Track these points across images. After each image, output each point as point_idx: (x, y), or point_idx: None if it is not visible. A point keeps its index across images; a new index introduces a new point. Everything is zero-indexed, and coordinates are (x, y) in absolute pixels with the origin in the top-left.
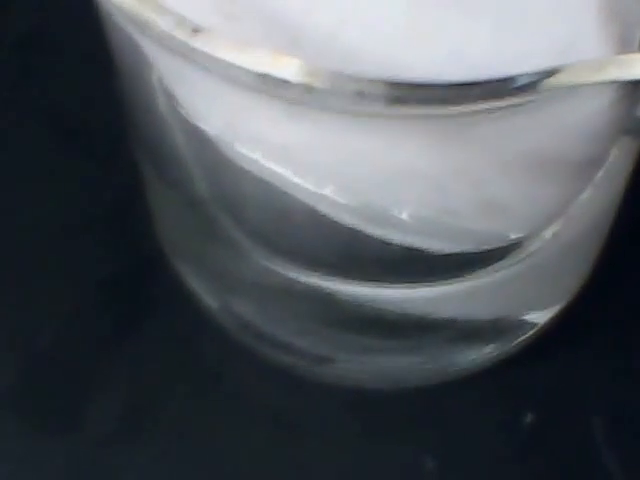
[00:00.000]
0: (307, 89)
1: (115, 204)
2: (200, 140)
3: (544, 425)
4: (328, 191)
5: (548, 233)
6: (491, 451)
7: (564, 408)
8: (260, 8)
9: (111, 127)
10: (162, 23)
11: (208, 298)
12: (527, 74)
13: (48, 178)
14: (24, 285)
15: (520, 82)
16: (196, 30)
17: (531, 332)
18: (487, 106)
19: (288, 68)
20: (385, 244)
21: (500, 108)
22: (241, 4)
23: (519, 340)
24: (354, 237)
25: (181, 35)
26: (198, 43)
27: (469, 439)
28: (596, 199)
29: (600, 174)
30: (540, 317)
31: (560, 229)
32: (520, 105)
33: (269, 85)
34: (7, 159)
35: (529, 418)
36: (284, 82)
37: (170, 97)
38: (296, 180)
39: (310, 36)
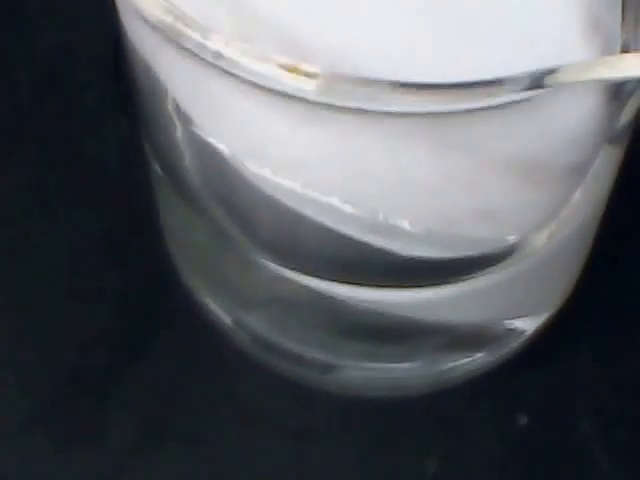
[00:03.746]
0: (325, 91)
1: (128, 222)
2: (211, 157)
3: (538, 427)
4: (334, 201)
5: (541, 236)
6: (488, 451)
7: (556, 410)
8: (275, 29)
9: (124, 148)
10: (193, 34)
11: (221, 313)
12: (526, 73)
13: (65, 202)
14: (43, 308)
15: (519, 80)
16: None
17: (524, 338)
18: (487, 103)
19: (307, 74)
20: (387, 253)
21: (499, 106)
22: (258, 25)
23: (512, 346)
24: (358, 248)
25: (212, 44)
26: (227, 51)
27: (467, 441)
28: (583, 203)
29: (587, 179)
30: (532, 323)
31: (552, 232)
32: (516, 103)
33: (289, 90)
34: (31, 188)
35: (523, 420)
36: (303, 88)
37: (184, 119)
38: (304, 192)
39: (322, 53)
